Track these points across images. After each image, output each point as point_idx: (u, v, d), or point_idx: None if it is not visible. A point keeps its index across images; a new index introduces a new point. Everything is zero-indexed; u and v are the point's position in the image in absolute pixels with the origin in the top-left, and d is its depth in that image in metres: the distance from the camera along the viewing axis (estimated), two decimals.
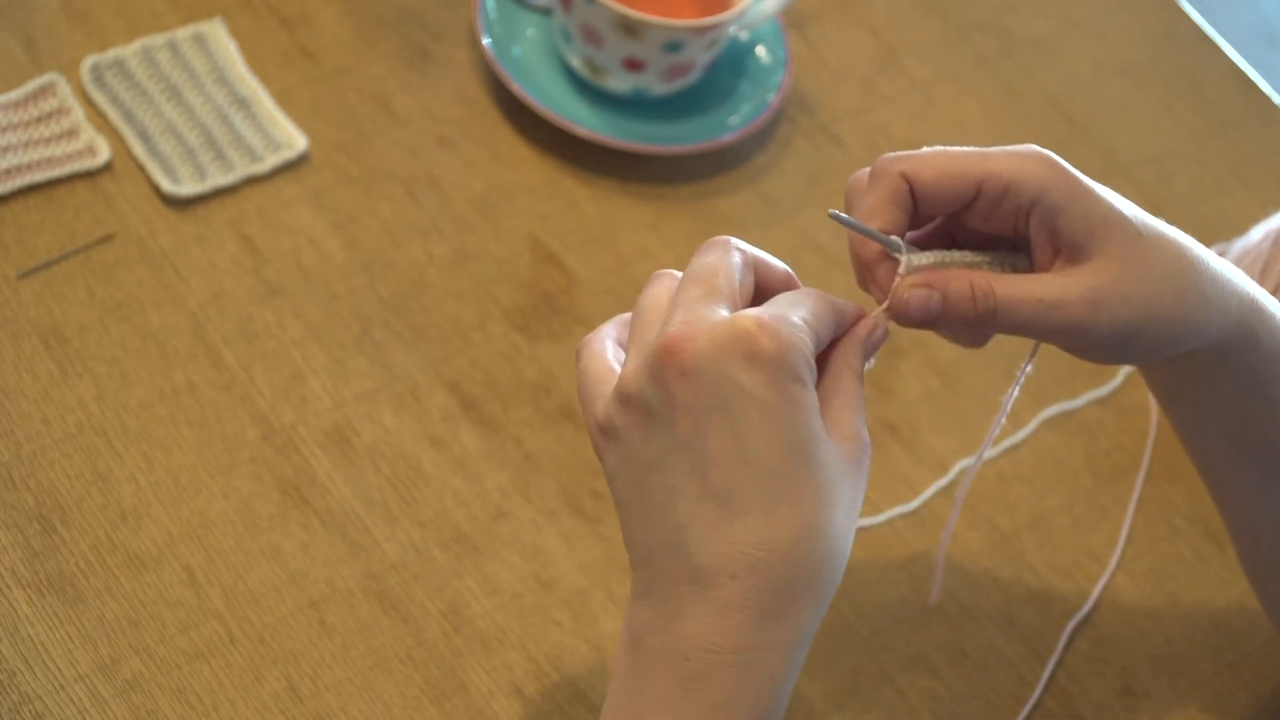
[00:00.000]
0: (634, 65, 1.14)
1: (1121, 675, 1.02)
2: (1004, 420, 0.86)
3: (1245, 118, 1.30)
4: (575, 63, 1.17)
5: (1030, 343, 0.85)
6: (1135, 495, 1.09)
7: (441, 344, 1.06)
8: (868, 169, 0.82)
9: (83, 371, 1.01)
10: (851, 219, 0.80)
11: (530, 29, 1.19)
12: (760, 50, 1.21)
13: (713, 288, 0.76)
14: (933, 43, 1.28)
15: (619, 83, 1.16)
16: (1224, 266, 0.83)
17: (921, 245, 0.83)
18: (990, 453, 1.08)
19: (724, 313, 0.75)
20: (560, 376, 1.06)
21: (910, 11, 1.29)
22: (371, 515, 0.99)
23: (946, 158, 0.80)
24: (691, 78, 1.17)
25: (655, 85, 1.16)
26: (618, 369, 0.78)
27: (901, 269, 0.80)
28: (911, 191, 0.80)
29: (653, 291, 0.78)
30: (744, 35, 1.21)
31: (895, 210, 0.80)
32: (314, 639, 0.94)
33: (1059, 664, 1.02)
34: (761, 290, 0.79)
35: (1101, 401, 1.12)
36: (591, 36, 1.14)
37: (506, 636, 0.96)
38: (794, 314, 0.75)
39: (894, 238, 0.80)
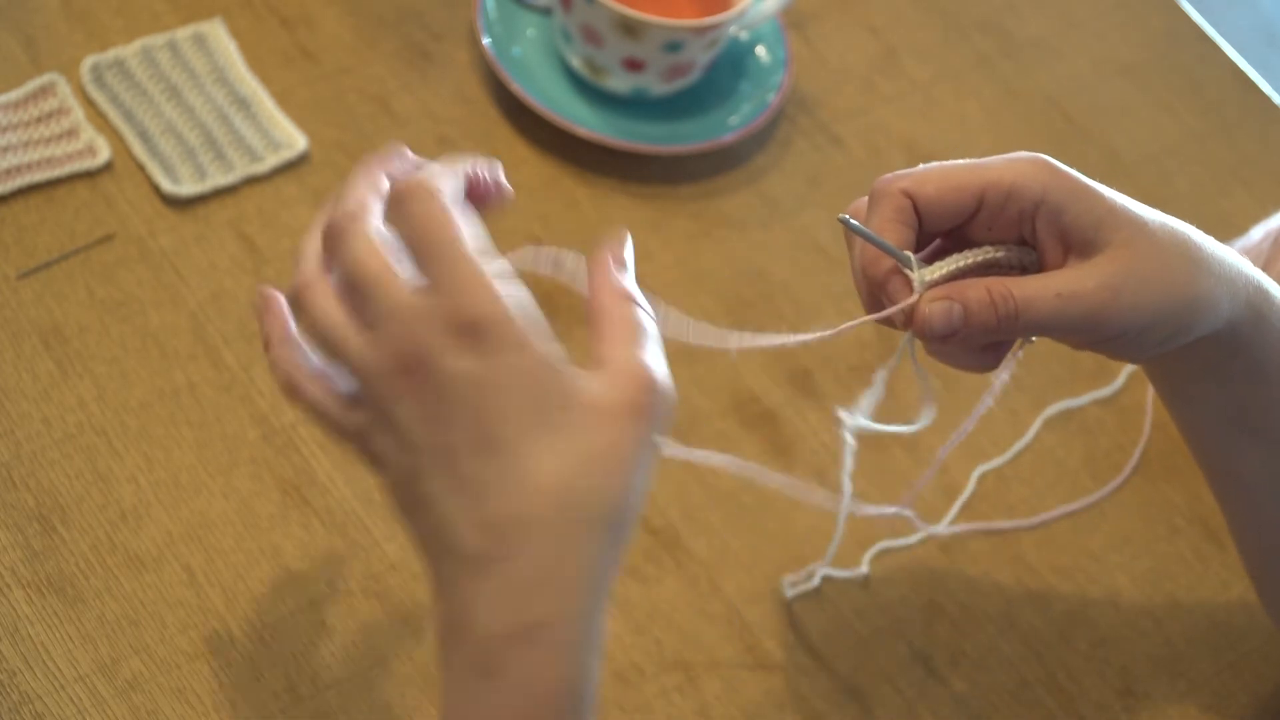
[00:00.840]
0: (634, 65, 1.14)
1: (1121, 675, 1.02)
2: (991, 401, 0.86)
3: (1245, 118, 1.30)
4: (575, 63, 1.17)
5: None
6: (1110, 487, 1.09)
7: None
8: (865, 199, 0.82)
9: (83, 371, 1.01)
10: (864, 228, 0.80)
11: (530, 29, 1.19)
12: (760, 50, 1.21)
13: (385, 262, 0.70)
14: (933, 43, 1.28)
15: (619, 83, 1.16)
16: (1226, 252, 0.84)
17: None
18: (999, 460, 1.09)
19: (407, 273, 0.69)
20: None
21: (910, 11, 1.29)
22: (371, 515, 0.99)
23: (944, 172, 0.81)
24: (691, 78, 1.17)
25: (655, 85, 1.16)
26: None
27: (915, 284, 0.80)
28: (915, 208, 0.80)
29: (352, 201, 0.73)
30: (744, 35, 1.21)
31: (902, 228, 0.80)
32: (314, 639, 0.94)
33: (1059, 664, 1.02)
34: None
35: (1102, 402, 1.13)
36: (591, 36, 1.14)
37: None
38: (491, 265, 0.70)
39: (906, 252, 0.80)
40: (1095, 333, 0.81)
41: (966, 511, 1.06)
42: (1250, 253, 1.12)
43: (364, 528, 0.99)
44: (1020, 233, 0.81)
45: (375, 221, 0.73)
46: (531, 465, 0.69)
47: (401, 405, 0.69)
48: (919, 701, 0.99)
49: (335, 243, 0.73)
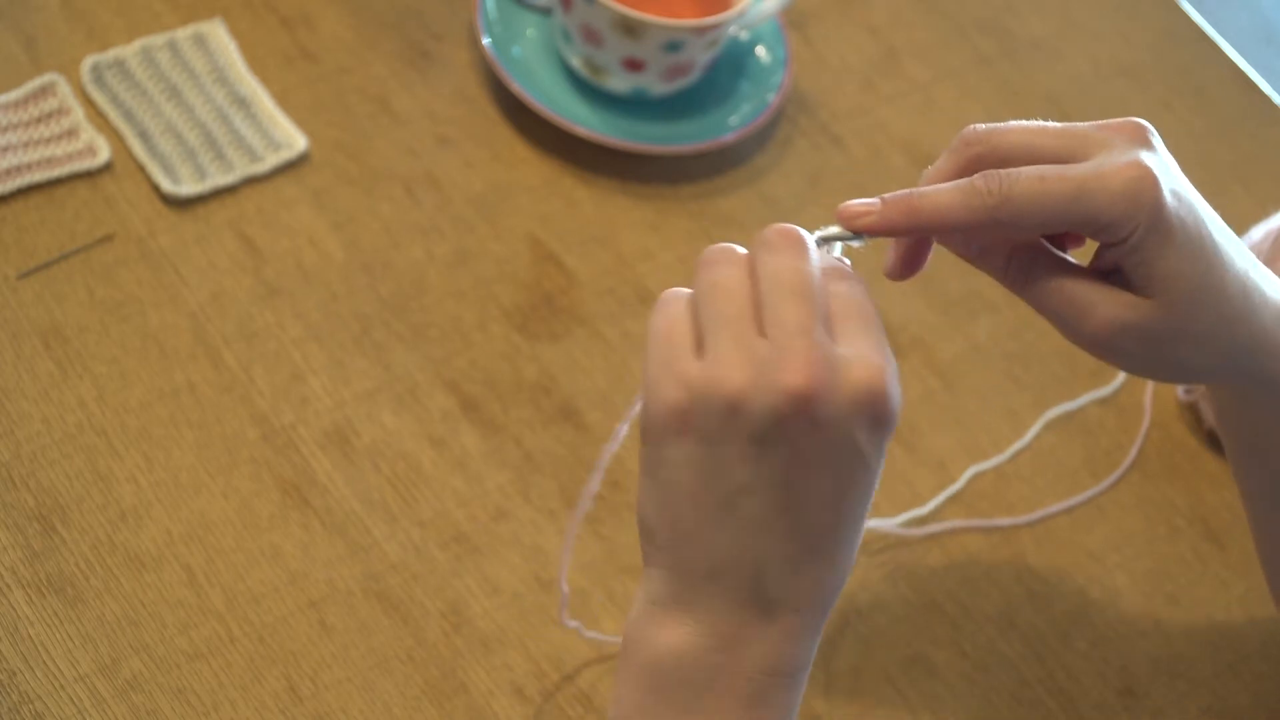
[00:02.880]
0: (634, 65, 1.14)
1: (1121, 675, 1.02)
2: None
3: (1245, 118, 1.30)
4: (575, 63, 1.17)
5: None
6: (1108, 482, 1.09)
7: (441, 344, 1.06)
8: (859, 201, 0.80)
9: (83, 371, 1.01)
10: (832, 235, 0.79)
11: (530, 29, 1.19)
12: (760, 50, 1.21)
13: (816, 306, 0.73)
14: (933, 43, 1.28)
15: (619, 83, 1.16)
16: (1266, 287, 0.82)
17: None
18: (999, 457, 1.09)
19: (841, 351, 0.72)
20: (560, 376, 1.06)
21: (910, 11, 1.29)
22: (371, 515, 0.99)
23: (1044, 184, 0.77)
24: (691, 78, 1.17)
25: (655, 85, 1.16)
26: (694, 344, 0.73)
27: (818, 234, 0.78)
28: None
29: (724, 275, 0.74)
30: (744, 35, 1.21)
31: (979, 232, 0.80)
32: (314, 639, 0.94)
33: (1059, 664, 1.02)
34: None
35: (1102, 401, 1.12)
36: (591, 36, 1.14)
37: (506, 636, 0.96)
38: (890, 359, 0.73)
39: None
40: (1110, 360, 0.81)
41: (966, 511, 1.06)
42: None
43: (364, 528, 0.99)
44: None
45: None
46: (853, 540, 0.74)
47: (802, 434, 0.72)
48: (919, 701, 0.99)
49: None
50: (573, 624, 0.94)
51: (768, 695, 0.74)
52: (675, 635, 0.74)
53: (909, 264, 0.82)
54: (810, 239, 0.75)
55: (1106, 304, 0.79)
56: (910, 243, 0.82)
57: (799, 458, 0.72)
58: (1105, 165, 0.77)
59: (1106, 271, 0.80)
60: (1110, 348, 0.80)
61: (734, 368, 0.71)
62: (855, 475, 0.73)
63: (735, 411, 0.71)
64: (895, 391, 0.72)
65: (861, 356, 0.72)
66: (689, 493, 0.73)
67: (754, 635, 0.74)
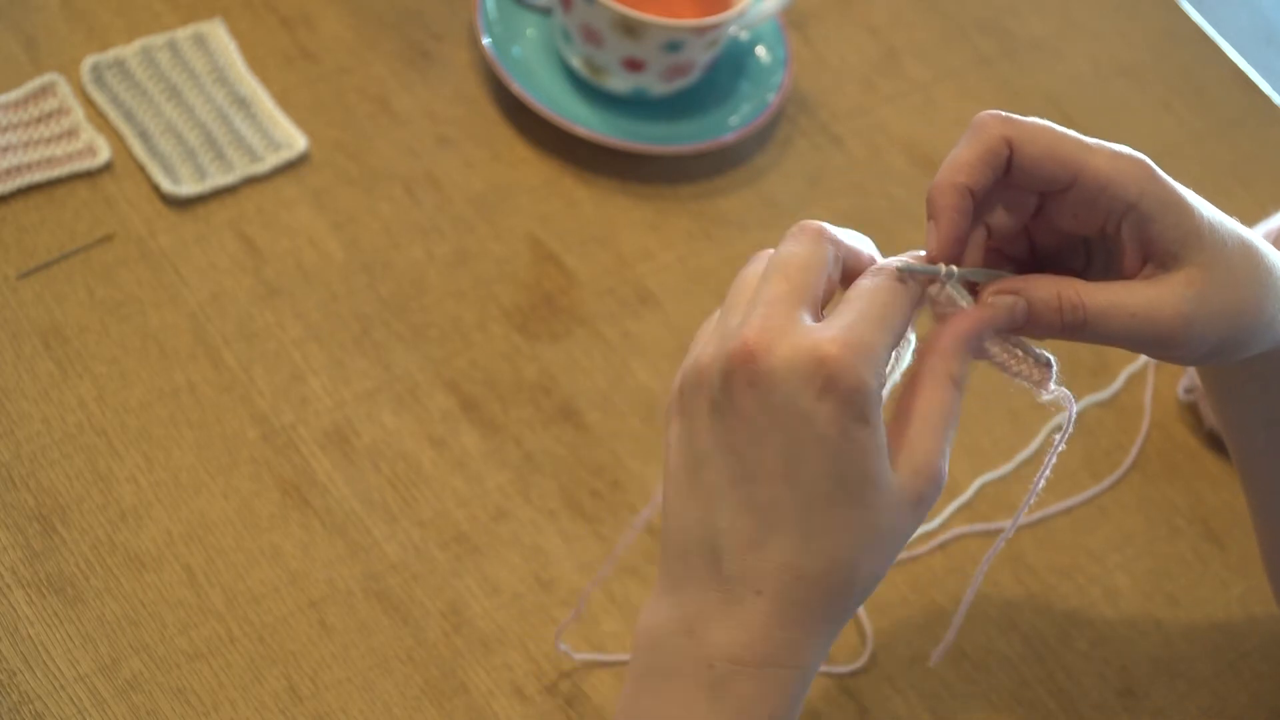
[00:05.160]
0: (634, 65, 1.14)
1: (1121, 675, 1.02)
2: (1043, 482, 0.81)
3: (1245, 118, 1.30)
4: (575, 63, 1.17)
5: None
6: (1108, 482, 1.09)
7: (441, 344, 1.06)
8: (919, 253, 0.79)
9: (83, 371, 1.01)
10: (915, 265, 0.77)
11: (530, 29, 1.19)
12: (760, 50, 1.21)
13: (798, 285, 0.74)
14: (933, 43, 1.28)
15: (619, 83, 1.16)
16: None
17: (970, 263, 0.80)
18: (1006, 467, 1.09)
19: (806, 319, 0.73)
20: (560, 376, 1.06)
21: (910, 11, 1.29)
22: (371, 515, 0.99)
23: (1053, 137, 0.78)
24: (691, 78, 1.17)
25: (655, 85, 1.16)
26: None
27: (943, 282, 0.77)
28: (1009, 159, 0.78)
29: (747, 271, 0.77)
30: (744, 35, 1.21)
31: (987, 170, 0.78)
32: (314, 639, 0.94)
33: (1059, 664, 1.02)
34: (845, 277, 0.78)
35: (1101, 402, 1.13)
36: (591, 36, 1.14)
37: (506, 636, 0.96)
38: (878, 337, 0.73)
39: (939, 265, 0.77)
40: (1157, 352, 0.80)
41: (966, 512, 1.06)
42: None
43: (364, 528, 0.99)
44: (1104, 227, 0.79)
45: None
46: (822, 524, 0.73)
47: (742, 392, 0.72)
48: (919, 702, 0.99)
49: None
50: (563, 647, 0.95)
51: (730, 684, 0.73)
52: (655, 617, 0.75)
53: (956, 239, 0.80)
54: (892, 263, 0.76)
55: (1158, 293, 0.78)
56: (957, 215, 0.80)
57: (746, 423, 0.72)
58: (1099, 147, 0.79)
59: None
60: (1190, 330, 0.78)
61: (709, 343, 0.75)
62: (807, 447, 0.72)
63: (700, 380, 0.74)
64: (851, 361, 0.71)
65: (823, 328, 0.73)
66: (673, 470, 0.75)
67: (714, 616, 0.74)
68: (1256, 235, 0.82)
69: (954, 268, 0.77)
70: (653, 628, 0.75)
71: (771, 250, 0.77)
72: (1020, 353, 0.79)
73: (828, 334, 0.72)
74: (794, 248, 0.76)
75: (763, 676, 0.74)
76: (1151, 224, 0.78)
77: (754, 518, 0.73)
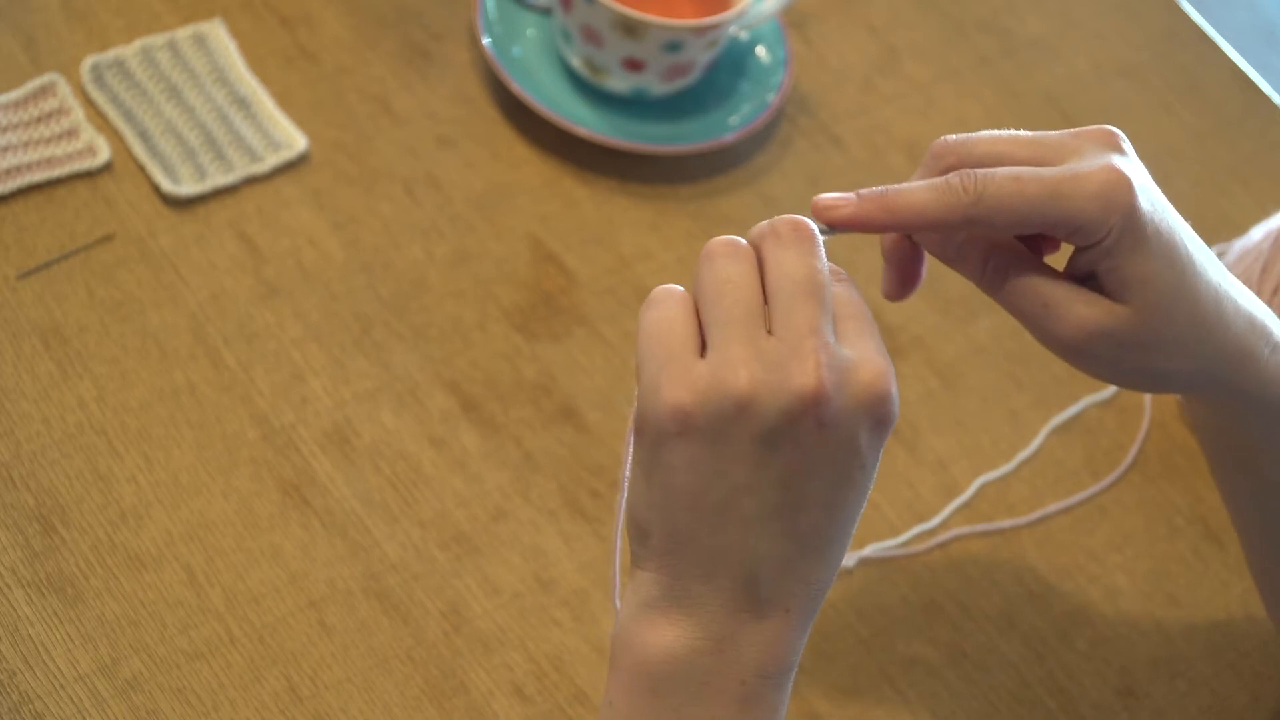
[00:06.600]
0: (634, 65, 1.14)
1: (1121, 675, 1.02)
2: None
3: (1245, 118, 1.30)
4: (575, 63, 1.17)
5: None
6: (1107, 481, 1.09)
7: (441, 344, 1.06)
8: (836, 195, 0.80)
9: (83, 371, 1.01)
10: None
11: (530, 29, 1.19)
12: (760, 50, 1.21)
13: (827, 305, 0.73)
14: (933, 43, 1.28)
15: (619, 83, 1.16)
16: (1238, 297, 0.82)
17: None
18: (1006, 467, 1.09)
19: (846, 352, 0.72)
20: (560, 376, 1.06)
21: (910, 11, 1.29)
22: (371, 515, 0.99)
23: (1019, 184, 0.77)
24: (691, 78, 1.17)
25: (655, 85, 1.16)
26: (695, 343, 0.73)
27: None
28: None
29: (733, 271, 0.74)
30: (744, 35, 1.21)
31: (946, 230, 0.79)
32: (314, 639, 0.94)
33: (1059, 664, 1.02)
34: None
35: (1101, 402, 1.13)
36: (591, 36, 1.14)
37: (506, 636, 0.96)
38: (889, 361, 0.74)
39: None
40: (1081, 366, 0.81)
41: (966, 512, 1.06)
42: (1250, 253, 1.12)
43: (364, 528, 0.99)
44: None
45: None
46: (845, 540, 0.75)
47: (809, 434, 0.72)
48: (919, 701, 0.99)
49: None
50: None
51: (760, 696, 0.74)
52: (668, 637, 0.74)
53: (906, 282, 0.83)
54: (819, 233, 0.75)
55: (1080, 307, 0.78)
56: (905, 261, 0.82)
57: (803, 459, 0.72)
58: (1080, 168, 0.77)
59: (1081, 277, 0.79)
60: (1082, 352, 0.79)
61: (743, 368, 0.71)
62: (853, 476, 0.73)
63: (743, 412, 0.71)
64: (896, 394, 0.73)
65: (867, 358, 0.72)
66: (688, 494, 0.72)
67: (747, 636, 0.74)
68: (1211, 267, 0.80)
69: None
70: (671, 650, 0.74)
71: (736, 240, 0.75)
72: None
73: (876, 367, 0.73)
74: (801, 258, 0.74)
75: (783, 682, 0.75)
76: (1109, 260, 0.78)
77: (793, 543, 0.73)
